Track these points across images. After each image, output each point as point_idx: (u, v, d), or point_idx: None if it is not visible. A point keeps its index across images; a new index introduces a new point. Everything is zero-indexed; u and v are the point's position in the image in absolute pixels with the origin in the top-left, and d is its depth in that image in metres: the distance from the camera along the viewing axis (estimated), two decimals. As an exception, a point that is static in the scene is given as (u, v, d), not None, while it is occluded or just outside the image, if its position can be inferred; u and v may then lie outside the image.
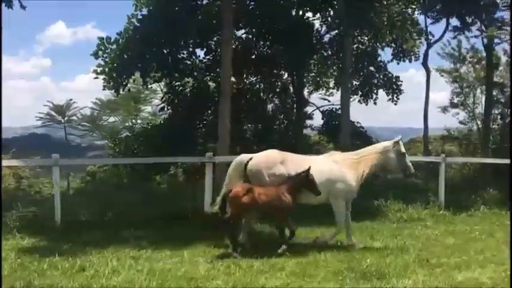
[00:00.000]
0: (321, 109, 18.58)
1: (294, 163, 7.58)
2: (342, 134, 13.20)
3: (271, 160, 7.63)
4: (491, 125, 16.58)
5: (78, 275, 5.93)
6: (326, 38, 17.68)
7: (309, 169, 7.24)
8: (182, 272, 6.07)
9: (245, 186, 7.25)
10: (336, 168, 7.72)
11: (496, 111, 16.93)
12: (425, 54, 16.76)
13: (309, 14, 16.94)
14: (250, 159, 7.69)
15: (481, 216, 10.33)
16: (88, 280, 5.71)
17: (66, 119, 38.11)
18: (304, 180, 7.25)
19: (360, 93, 18.50)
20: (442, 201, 10.82)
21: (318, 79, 20.33)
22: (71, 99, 39.65)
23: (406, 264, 6.48)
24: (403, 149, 8.07)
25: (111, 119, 37.97)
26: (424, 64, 16.82)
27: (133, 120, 34.32)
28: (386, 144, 8.16)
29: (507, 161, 11.89)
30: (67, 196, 14.82)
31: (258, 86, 17.93)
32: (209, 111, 15.63)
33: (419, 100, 18.60)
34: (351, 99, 18.39)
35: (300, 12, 16.80)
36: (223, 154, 10.78)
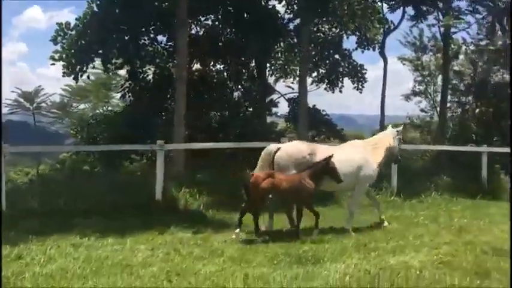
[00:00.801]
0: (287, 97, 18.69)
1: (322, 154, 7.63)
2: (301, 121, 13.29)
3: (298, 152, 7.70)
4: (450, 113, 16.90)
5: (13, 262, 5.88)
6: (292, 26, 17.76)
7: (329, 157, 7.36)
8: (119, 259, 6.07)
9: (267, 172, 7.34)
10: (362, 156, 7.99)
11: (456, 99, 17.26)
12: (383, 42, 16.92)
13: (274, 2, 16.97)
14: (278, 149, 7.75)
15: (430, 202, 10.58)
16: (22, 268, 5.67)
17: (34, 105, 37.44)
18: (325, 168, 7.34)
19: (326, 81, 18.70)
20: (395, 187, 11.04)
21: (286, 67, 20.38)
22: (39, 86, 38.83)
23: (343, 248, 6.63)
24: (401, 137, 8.59)
25: (82, 106, 37.44)
26: (381, 53, 17.00)
27: (104, 108, 33.87)
28: (393, 131, 8.54)
29: (461, 148, 12.18)
30: (31, 183, 14.57)
31: (224, 73, 17.95)
32: (172, 99, 15.55)
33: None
34: (316, 88, 18.66)
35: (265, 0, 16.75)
36: (179, 141, 10.80)
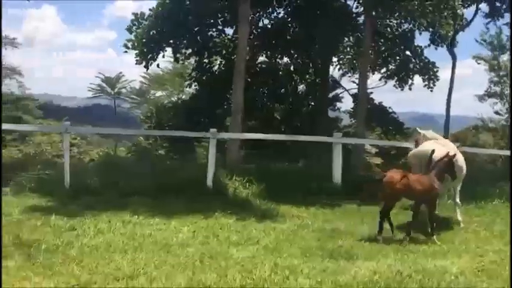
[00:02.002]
0: (352, 92, 18.38)
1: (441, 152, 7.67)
2: (358, 117, 13.05)
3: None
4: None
5: (66, 233, 6.47)
6: (361, 20, 17.36)
7: (450, 154, 7.42)
8: (161, 238, 6.46)
9: (400, 172, 7.28)
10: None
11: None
12: (452, 40, 16.00)
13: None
14: (433, 150, 7.76)
15: (489, 209, 10.00)
16: (73, 238, 6.22)
17: (116, 91, 39.95)
18: (447, 165, 7.36)
19: (396, 78, 18.15)
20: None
21: (354, 61, 20.00)
22: (120, 72, 41.37)
23: (380, 248, 6.53)
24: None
25: (158, 93, 39.23)
26: (450, 50, 16.09)
27: (179, 95, 35.24)
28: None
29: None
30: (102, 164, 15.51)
31: (289, 66, 18.01)
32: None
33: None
34: (383, 84, 18.15)
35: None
36: (235, 131, 11.07)
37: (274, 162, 11.65)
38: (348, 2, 16.91)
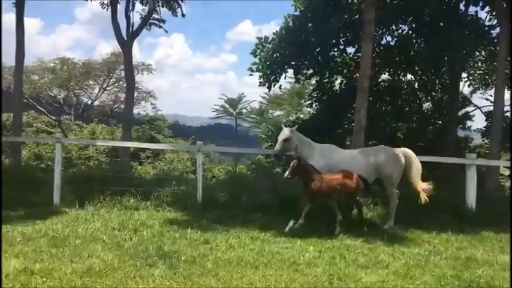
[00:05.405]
0: (485, 110, 17.07)
1: None
2: (492, 137, 12.02)
3: None
4: None
5: (201, 245, 6.90)
6: (495, 33, 16.15)
7: None
8: (288, 256, 6.57)
9: None
10: None
11: None
12: None
13: (476, 8, 15.68)
14: None
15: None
16: (207, 251, 6.62)
17: (237, 111, 41.89)
18: None
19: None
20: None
21: (487, 77, 18.62)
22: (242, 93, 43.40)
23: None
24: None
25: (277, 113, 40.29)
26: None
27: (296, 114, 35.84)
28: None
29: None
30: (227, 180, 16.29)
31: (414, 83, 17.35)
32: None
33: None
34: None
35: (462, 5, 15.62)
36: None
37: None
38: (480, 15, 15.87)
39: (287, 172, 8.06)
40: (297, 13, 15.09)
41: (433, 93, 16.68)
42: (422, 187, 8.75)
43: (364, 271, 6.12)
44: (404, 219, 8.88)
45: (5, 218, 7.99)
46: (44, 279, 5.25)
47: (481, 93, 18.08)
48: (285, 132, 8.86)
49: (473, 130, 17.80)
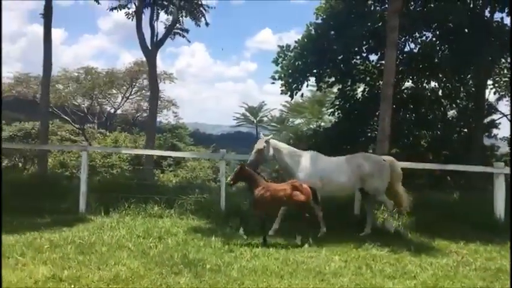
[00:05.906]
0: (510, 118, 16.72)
1: None
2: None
3: None
4: None
5: (225, 254, 6.89)
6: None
7: None
8: (313, 265, 6.51)
9: None
10: None
11: None
12: None
13: (502, 15, 15.43)
14: None
15: None
16: (232, 259, 6.60)
17: (258, 119, 41.98)
18: None
19: None
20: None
21: (513, 84, 18.24)
22: (263, 101, 43.47)
23: None
24: None
25: (297, 121, 40.25)
26: None
27: (317, 122, 35.73)
28: None
29: None
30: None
31: (438, 91, 17.12)
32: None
33: None
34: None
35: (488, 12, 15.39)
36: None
37: (424, 193, 11.05)
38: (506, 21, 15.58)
39: (229, 177, 8.01)
40: (319, 21, 15.09)
41: (458, 101, 16.42)
42: (403, 192, 8.84)
43: (391, 281, 6.01)
44: (429, 228, 8.74)
45: (32, 225, 8.19)
46: (72, 286, 5.31)
47: (507, 101, 17.73)
48: (259, 142, 8.69)
49: (500, 138, 17.44)
